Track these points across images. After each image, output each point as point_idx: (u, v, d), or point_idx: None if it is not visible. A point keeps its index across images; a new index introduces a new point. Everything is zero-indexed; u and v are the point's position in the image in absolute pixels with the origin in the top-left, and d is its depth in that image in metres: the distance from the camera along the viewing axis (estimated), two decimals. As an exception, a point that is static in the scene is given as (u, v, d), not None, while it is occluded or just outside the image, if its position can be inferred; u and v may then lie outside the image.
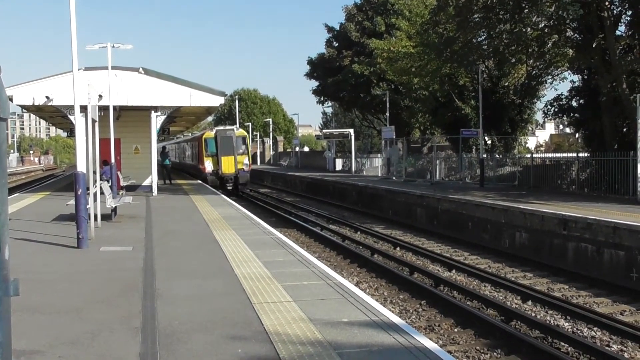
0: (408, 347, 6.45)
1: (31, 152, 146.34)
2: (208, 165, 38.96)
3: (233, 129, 40.27)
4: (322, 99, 61.71)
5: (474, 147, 38.54)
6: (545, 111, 31.22)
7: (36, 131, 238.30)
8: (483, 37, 29.00)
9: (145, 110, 27.70)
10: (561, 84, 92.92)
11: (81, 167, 13.80)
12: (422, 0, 40.61)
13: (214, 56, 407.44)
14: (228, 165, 37.24)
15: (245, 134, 43.20)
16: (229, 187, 37.70)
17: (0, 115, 2.18)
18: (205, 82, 40.64)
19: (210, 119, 62.35)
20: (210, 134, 40.92)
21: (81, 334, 7.10)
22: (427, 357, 6.13)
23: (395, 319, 7.57)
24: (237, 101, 79.55)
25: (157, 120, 27.81)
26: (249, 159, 40.86)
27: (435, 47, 30.80)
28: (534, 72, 34.81)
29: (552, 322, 11.75)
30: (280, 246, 13.31)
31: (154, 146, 29.01)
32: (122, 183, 26.92)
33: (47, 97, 25.03)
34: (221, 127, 43.29)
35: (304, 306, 8.10)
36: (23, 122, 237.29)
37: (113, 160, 23.65)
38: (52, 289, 9.51)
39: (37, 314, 7.86)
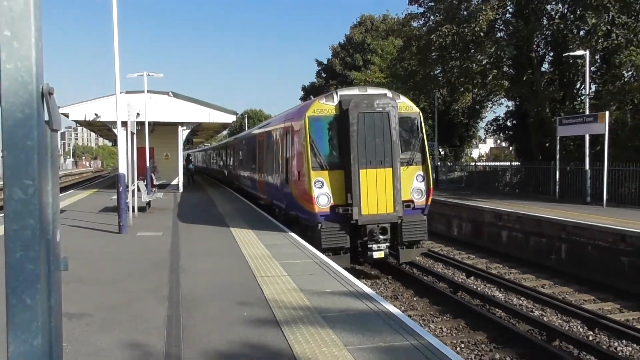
0: (377, 312, 6.45)
1: (83, 157, 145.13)
2: (320, 194, 11.36)
3: (387, 96, 11.69)
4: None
5: (431, 157, 38.60)
6: (486, 129, 31.72)
7: (87, 141, 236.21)
8: (438, 71, 29.07)
9: (174, 125, 27.61)
10: (499, 108, 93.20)
11: (122, 169, 13.75)
12: (391, 41, 40.80)
13: (227, 81, 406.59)
14: (376, 195, 11.14)
15: (417, 109, 12.53)
16: (378, 253, 11.35)
17: (53, 127, 2.17)
18: (220, 102, 39.17)
19: (225, 132, 61.94)
20: (319, 106, 11.75)
21: (120, 300, 7.07)
22: (391, 320, 6.14)
23: (368, 290, 7.57)
24: (246, 119, 79.24)
25: (183, 133, 27.80)
26: (428, 174, 12.09)
27: (401, 78, 30.99)
28: (478, 98, 35.02)
29: (489, 293, 11.82)
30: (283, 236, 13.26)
31: (180, 154, 29.01)
32: (155, 182, 26.78)
33: (96, 115, 25.01)
34: (349, 91, 12.09)
35: (296, 279, 8.07)
36: (77, 134, 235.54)
37: (148, 164, 23.58)
38: (97, 265, 9.45)
39: (85, 285, 7.81)
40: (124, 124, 14.89)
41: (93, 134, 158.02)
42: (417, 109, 12.36)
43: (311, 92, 57.58)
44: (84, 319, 6.23)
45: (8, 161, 1.98)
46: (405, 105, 12.14)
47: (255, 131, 21.11)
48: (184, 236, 12.72)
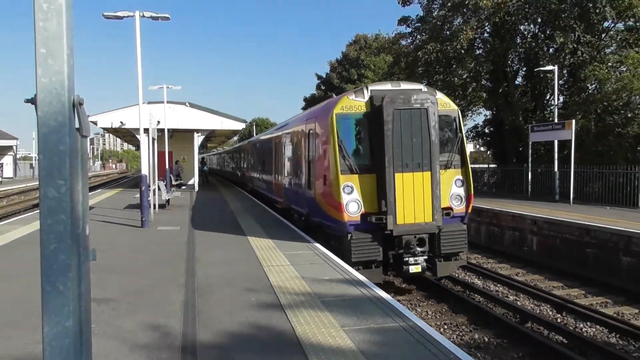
0: (369, 297, 6.44)
1: (110, 160, 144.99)
2: (350, 200, 9.22)
3: (423, 91, 9.47)
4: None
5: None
6: (467, 135, 31.52)
7: (113, 146, 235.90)
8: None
9: (190, 132, 27.65)
10: (478, 117, 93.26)
11: (145, 171, 13.74)
12: (382, 58, 40.75)
13: (238, 91, 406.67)
14: (413, 202, 9.08)
15: (455, 106, 10.18)
16: (415, 268, 9.27)
17: (83, 134, 2.17)
18: (231, 110, 38.64)
19: (235, 138, 61.87)
20: (347, 102, 9.55)
21: (143, 287, 7.06)
22: (382, 304, 6.13)
23: (362, 277, 7.54)
24: (254, 126, 79.16)
25: (198, 139, 27.84)
26: (468, 178, 9.89)
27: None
28: (459, 108, 34.92)
29: (469, 280, 11.80)
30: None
31: (196, 157, 29.06)
32: (174, 182, 26.78)
33: (121, 122, 25.00)
34: (380, 86, 9.89)
35: (298, 268, 8.06)
36: (104, 139, 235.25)
37: (167, 166, 23.58)
38: (122, 256, 9.43)
39: (112, 274, 7.79)
40: (146, 130, 14.88)
41: (118, 140, 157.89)
42: (454, 106, 10.20)
43: (312, 102, 57.54)
44: (111, 303, 6.22)
45: (43, 164, 1.99)
46: (443, 101, 9.90)
47: (272, 133, 18.46)
48: (199, 230, 12.71)
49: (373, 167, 9.33)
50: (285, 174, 14.40)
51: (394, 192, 8.94)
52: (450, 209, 9.67)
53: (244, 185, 28.07)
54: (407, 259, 9.23)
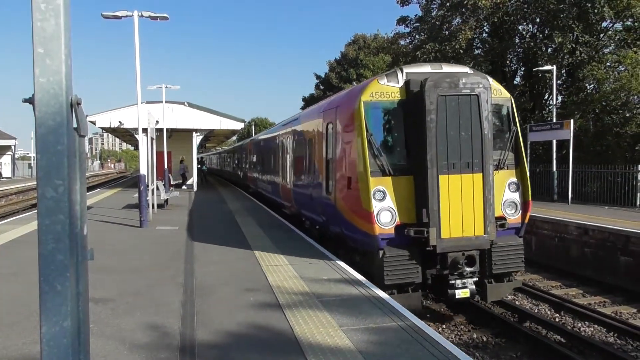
0: (367, 297, 6.44)
1: (108, 160, 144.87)
2: (382, 209, 7.69)
3: (473, 74, 7.94)
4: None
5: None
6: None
7: (112, 145, 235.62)
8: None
9: (189, 132, 27.64)
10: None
11: (143, 171, 13.72)
12: (381, 57, 40.79)
13: (237, 90, 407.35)
14: (461, 211, 7.62)
15: (507, 93, 8.64)
16: (463, 292, 7.88)
17: (81, 133, 2.17)
18: (230, 110, 38.25)
19: (234, 137, 61.83)
20: (377, 88, 8.01)
21: (141, 287, 7.06)
22: (380, 304, 6.14)
23: (360, 277, 7.54)
24: (253, 126, 79.13)
25: (197, 139, 27.83)
26: (525, 181, 8.47)
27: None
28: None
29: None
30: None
31: (195, 157, 29.00)
32: (172, 182, 26.78)
33: (120, 122, 24.99)
34: (417, 68, 8.32)
35: (297, 268, 8.06)
36: (103, 139, 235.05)
37: (166, 166, 23.57)
38: (121, 255, 9.41)
39: (110, 273, 7.79)
40: (145, 130, 14.87)
41: (117, 139, 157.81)
42: (507, 93, 8.59)
43: (310, 102, 57.54)
44: (109, 303, 6.21)
45: (41, 163, 1.99)
46: (493, 87, 8.22)
47: (279, 129, 16.43)
48: (197, 230, 12.70)
49: (410, 167, 7.81)
50: (296, 176, 12.69)
51: (437, 199, 7.42)
52: (504, 218, 8.10)
53: (246, 187, 26.61)
54: (453, 281, 7.76)
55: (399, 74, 8.09)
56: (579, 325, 8.72)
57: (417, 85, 7.73)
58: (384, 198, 7.67)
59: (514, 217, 8.27)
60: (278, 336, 5.06)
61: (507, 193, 8.25)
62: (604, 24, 22.36)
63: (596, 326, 8.60)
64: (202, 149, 50.94)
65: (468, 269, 7.66)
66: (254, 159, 23.12)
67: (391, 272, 7.57)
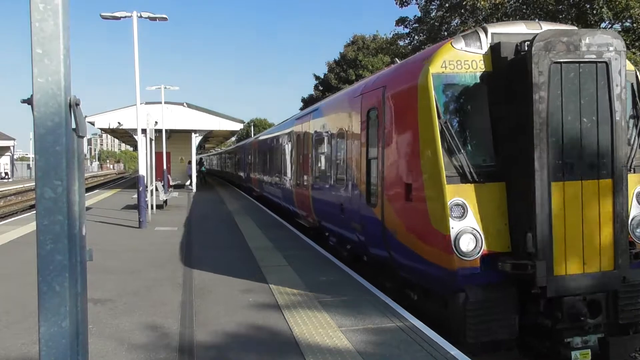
0: (366, 298, 6.44)
1: (107, 161, 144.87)
2: (462, 231, 5.12)
3: (597, 33, 4.94)
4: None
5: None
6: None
7: (111, 146, 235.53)
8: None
9: (188, 133, 27.66)
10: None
11: (142, 172, 13.73)
12: (380, 58, 40.87)
13: (236, 91, 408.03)
14: (581, 235, 5.02)
15: (631, 66, 5.67)
16: (583, 355, 5.18)
17: (80, 134, 2.17)
18: (229, 111, 38.15)
19: (233, 138, 61.80)
20: (451, 55, 5.51)
21: (140, 287, 7.05)
22: (379, 304, 6.12)
23: (358, 277, 7.53)
24: (252, 127, 79.16)
25: (196, 140, 27.85)
26: None
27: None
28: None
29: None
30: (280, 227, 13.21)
31: (194, 157, 28.99)
32: (171, 183, 26.78)
33: (119, 123, 25.01)
34: (509, 27, 5.67)
35: (296, 269, 8.03)
36: (102, 140, 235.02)
37: (165, 167, 23.57)
38: (119, 256, 9.41)
39: (109, 274, 7.77)
40: (144, 131, 14.87)
41: (116, 140, 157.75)
42: (631, 65, 6.04)
43: (310, 103, 57.54)
44: (108, 304, 6.21)
45: (40, 164, 1.99)
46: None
47: (293, 124, 13.37)
48: (196, 230, 12.69)
49: (501, 170, 5.40)
50: (317, 179, 10.31)
51: (549, 218, 4.98)
52: (632, 244, 5.51)
53: (250, 189, 24.30)
54: (569, 339, 5.31)
55: (482, 36, 5.66)
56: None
57: (510, 50, 5.42)
58: (464, 215, 5.27)
59: None
60: (277, 337, 5.06)
61: (635, 207, 5.70)
62: (603, 25, 22.40)
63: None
64: (201, 149, 50.94)
65: (591, 321, 5.24)
66: (260, 160, 20.20)
67: (478, 323, 5.18)
